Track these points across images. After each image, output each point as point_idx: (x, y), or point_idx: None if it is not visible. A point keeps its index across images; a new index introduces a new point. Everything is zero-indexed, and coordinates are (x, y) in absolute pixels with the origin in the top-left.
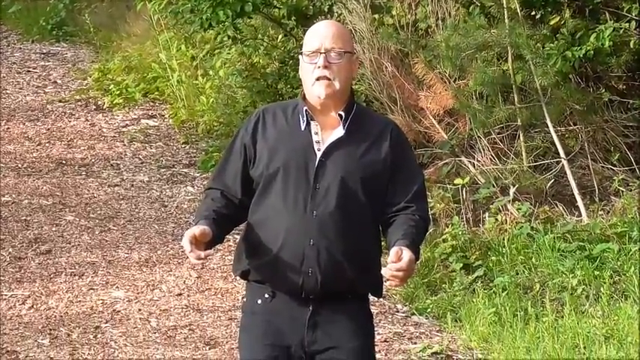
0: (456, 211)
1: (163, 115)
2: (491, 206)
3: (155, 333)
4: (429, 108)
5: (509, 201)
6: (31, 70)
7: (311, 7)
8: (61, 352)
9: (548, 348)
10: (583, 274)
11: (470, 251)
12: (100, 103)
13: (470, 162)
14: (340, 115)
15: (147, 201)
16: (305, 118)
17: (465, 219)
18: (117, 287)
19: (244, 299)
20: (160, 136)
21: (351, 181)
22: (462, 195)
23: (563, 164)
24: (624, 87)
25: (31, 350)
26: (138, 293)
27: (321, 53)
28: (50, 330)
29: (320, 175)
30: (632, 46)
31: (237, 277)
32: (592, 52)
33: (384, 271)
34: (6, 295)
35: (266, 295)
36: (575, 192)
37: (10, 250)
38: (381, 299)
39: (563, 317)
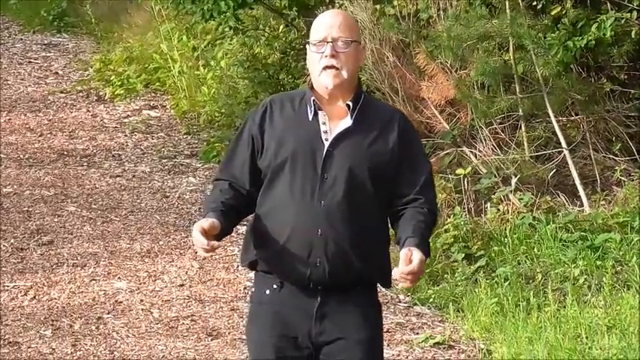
0: (458, 201)
1: (165, 106)
2: (492, 196)
3: (157, 324)
4: (431, 98)
5: (511, 191)
6: (32, 61)
7: None
8: (63, 343)
9: (550, 338)
10: (585, 264)
11: (472, 241)
12: (101, 93)
13: (471, 152)
14: (348, 105)
15: (149, 192)
16: (313, 108)
17: (466, 209)
18: (119, 278)
19: (252, 289)
20: (161, 126)
21: (358, 171)
22: (464, 185)
23: (564, 154)
24: (626, 77)
25: (33, 341)
26: (140, 284)
27: (328, 42)
28: (52, 321)
29: (328, 165)
30: (633, 36)
31: (243, 268)
32: (593, 42)
33: (394, 273)
34: (8, 286)
35: (274, 286)
36: (577, 182)
37: (12, 241)
38: (383, 289)
39: (565, 307)
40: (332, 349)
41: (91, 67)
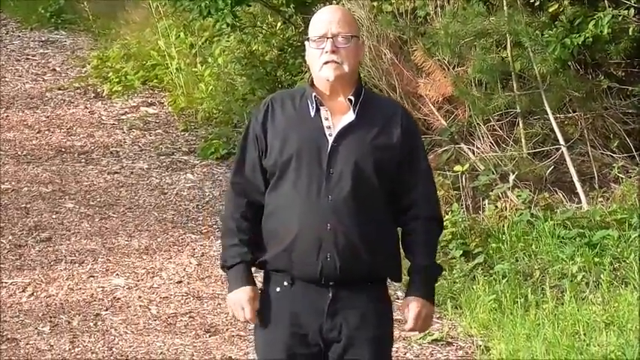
0: (456, 198)
1: (162, 103)
2: (490, 193)
3: (155, 320)
4: (428, 95)
5: (508, 188)
6: (30, 57)
7: None
8: (61, 339)
9: (548, 335)
10: (583, 261)
11: (470, 238)
12: (99, 90)
13: (469, 149)
14: (350, 100)
15: (146, 188)
16: (314, 105)
17: (464, 206)
18: (117, 275)
19: (261, 288)
20: (159, 123)
21: (364, 165)
22: (462, 182)
23: (562, 151)
24: (623, 74)
25: (32, 338)
26: (138, 281)
27: (328, 38)
28: (50, 318)
29: (333, 160)
30: (630, 33)
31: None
32: (591, 39)
33: (406, 327)
34: (6, 282)
35: (285, 283)
36: (575, 179)
37: (10, 237)
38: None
39: (563, 304)
40: (341, 347)
41: (89, 64)
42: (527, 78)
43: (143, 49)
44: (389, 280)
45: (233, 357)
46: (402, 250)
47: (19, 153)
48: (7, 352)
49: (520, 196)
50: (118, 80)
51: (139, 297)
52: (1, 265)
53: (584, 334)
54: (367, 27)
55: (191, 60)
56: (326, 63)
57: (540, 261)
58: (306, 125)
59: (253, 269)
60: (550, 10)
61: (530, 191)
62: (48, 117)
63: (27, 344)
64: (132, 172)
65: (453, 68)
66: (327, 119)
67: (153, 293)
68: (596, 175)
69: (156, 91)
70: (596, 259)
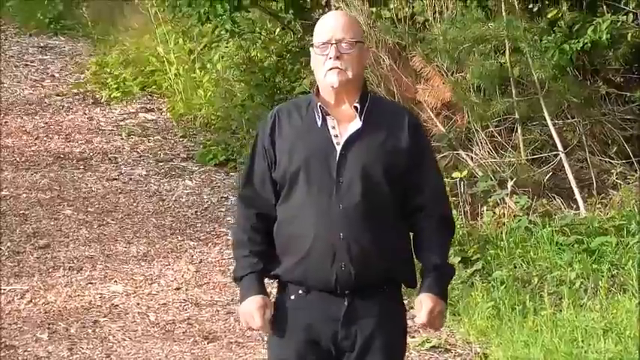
0: (454, 204)
1: (161, 109)
2: (489, 199)
3: (153, 327)
4: (427, 101)
5: (507, 194)
6: (28, 63)
7: (308, 0)
8: (60, 346)
9: (546, 342)
10: (581, 268)
11: (468, 245)
12: (97, 96)
13: (468, 155)
14: (355, 107)
15: (145, 195)
16: (320, 114)
17: (463, 212)
18: (115, 281)
19: (275, 297)
20: (157, 129)
21: (373, 171)
22: (460, 188)
23: (561, 157)
24: (622, 80)
25: (30, 345)
26: (136, 287)
27: (332, 44)
28: (49, 324)
29: (342, 169)
30: (629, 38)
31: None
32: (589, 44)
33: (417, 320)
34: (4, 289)
35: (300, 292)
36: (573, 185)
37: (9, 244)
38: None
39: (561, 311)
40: (355, 356)
41: (88, 70)
42: (526, 84)
43: (142, 55)
44: (403, 286)
45: None
46: (414, 251)
47: (18, 159)
48: (5, 359)
49: (518, 202)
50: (116, 86)
51: (138, 304)
52: (0, 272)
53: (583, 341)
54: (366, 33)
55: (190, 66)
56: (330, 69)
57: (538, 267)
58: (314, 135)
59: (267, 280)
60: (549, 15)
61: (529, 197)
62: (46, 123)
63: (25, 351)
64: (130, 179)
65: (452, 74)
66: (334, 128)
67: (151, 300)
68: (594, 181)
69: (154, 97)
70: (595, 266)
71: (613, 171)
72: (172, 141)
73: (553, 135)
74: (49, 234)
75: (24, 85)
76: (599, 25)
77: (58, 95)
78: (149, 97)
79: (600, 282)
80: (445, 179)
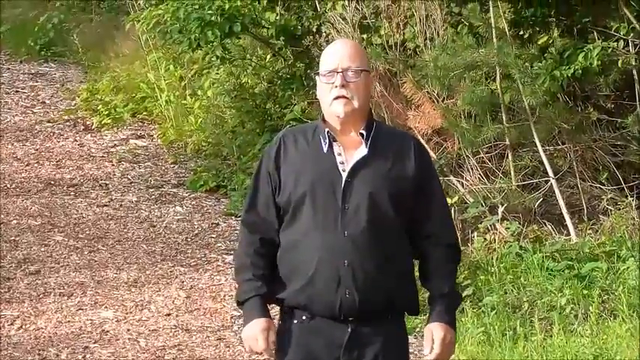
0: None
1: (152, 135)
2: (479, 225)
3: (144, 353)
4: (418, 127)
5: (497, 220)
6: (19, 90)
7: (299, 27)
8: None
9: None
10: (572, 293)
11: (459, 270)
12: (88, 123)
13: (458, 181)
14: (362, 134)
15: (135, 221)
16: (327, 140)
17: None
18: (106, 307)
19: (279, 322)
20: (148, 156)
21: (379, 198)
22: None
23: (551, 183)
24: (612, 106)
25: None
26: (127, 313)
27: (338, 72)
28: (39, 350)
29: (348, 195)
30: (620, 65)
31: (229, 297)
32: (580, 71)
33: (426, 351)
34: None
35: (304, 317)
36: (564, 211)
37: None
38: None
39: (552, 336)
40: None
41: (78, 97)
42: (517, 110)
43: (132, 81)
44: (407, 314)
45: None
46: (420, 279)
47: (9, 185)
48: None
49: (509, 228)
50: (107, 113)
51: (128, 330)
52: None
53: None
54: None
55: (180, 92)
56: (336, 98)
57: (529, 293)
58: (320, 161)
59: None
60: (539, 42)
61: (519, 223)
62: (37, 149)
63: None
64: (121, 205)
65: (443, 100)
66: (340, 154)
67: (141, 326)
68: (585, 207)
69: (145, 124)
70: (585, 292)
71: (604, 197)
72: (163, 167)
73: (544, 161)
74: (39, 260)
75: (15, 111)
76: (590, 51)
77: (49, 122)
78: (140, 123)
79: (591, 307)
80: None
